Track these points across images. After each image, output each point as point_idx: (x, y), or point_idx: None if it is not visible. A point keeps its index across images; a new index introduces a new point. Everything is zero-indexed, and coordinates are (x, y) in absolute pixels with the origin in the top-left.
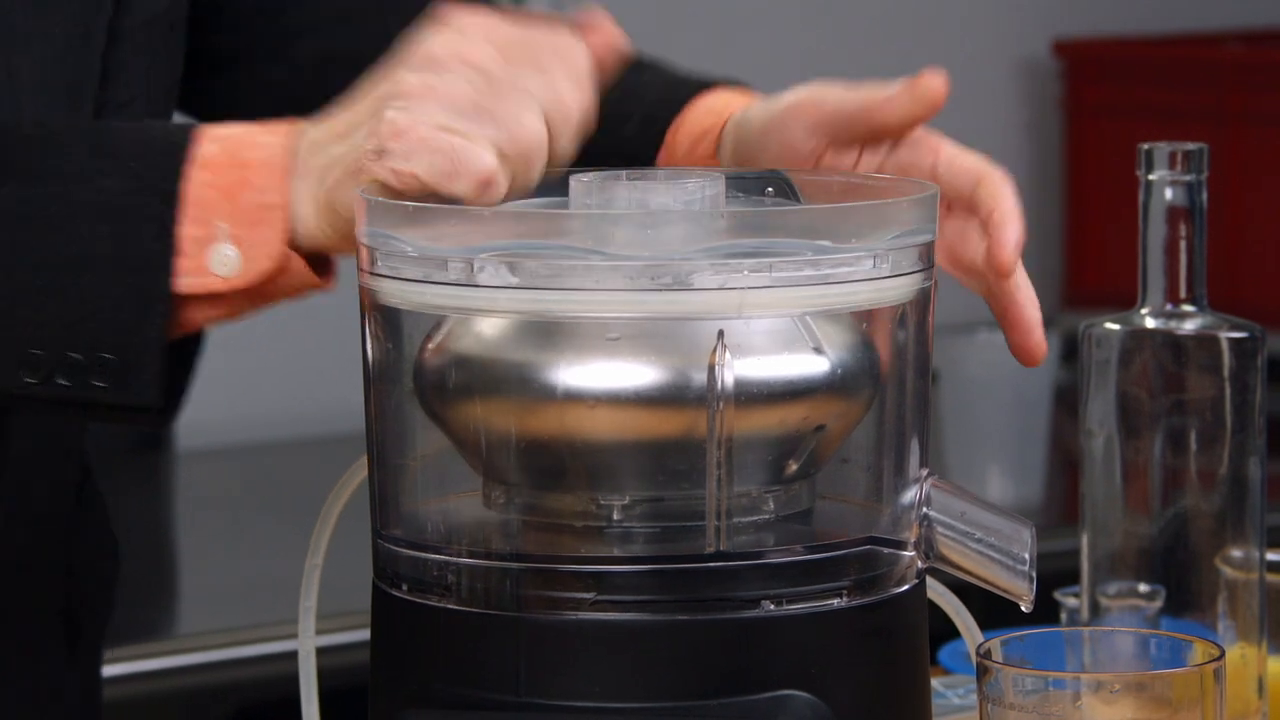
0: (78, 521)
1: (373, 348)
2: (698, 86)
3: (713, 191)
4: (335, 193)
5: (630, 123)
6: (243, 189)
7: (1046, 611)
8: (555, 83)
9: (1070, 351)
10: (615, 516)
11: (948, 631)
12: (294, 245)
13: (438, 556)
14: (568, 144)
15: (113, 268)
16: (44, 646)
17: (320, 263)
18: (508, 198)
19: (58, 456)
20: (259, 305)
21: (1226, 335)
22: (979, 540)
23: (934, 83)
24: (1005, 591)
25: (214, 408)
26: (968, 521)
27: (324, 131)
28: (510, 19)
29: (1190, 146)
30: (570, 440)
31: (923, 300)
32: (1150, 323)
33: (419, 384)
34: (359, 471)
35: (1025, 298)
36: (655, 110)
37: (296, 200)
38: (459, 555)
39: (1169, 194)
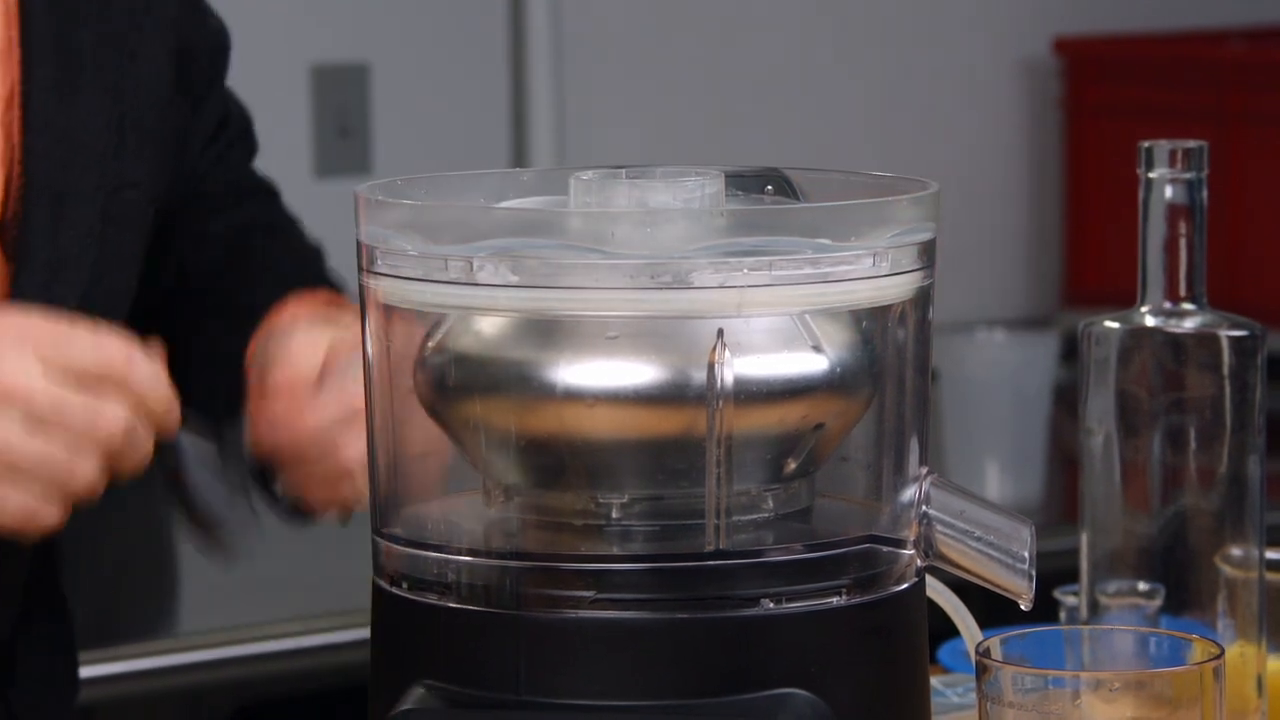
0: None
1: (373, 346)
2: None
3: (712, 190)
4: None
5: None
6: None
7: (1046, 610)
8: (111, 415)
9: (1070, 350)
10: (615, 515)
11: (947, 630)
12: None
13: (437, 555)
14: (137, 464)
15: None
16: None
17: None
18: None
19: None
20: None
21: (1226, 333)
22: (978, 539)
23: None
24: (1004, 590)
25: None
26: (967, 520)
27: None
28: (65, 329)
29: (1190, 144)
30: (570, 439)
31: (922, 299)
32: (1150, 321)
33: (419, 382)
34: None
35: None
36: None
37: None
38: (459, 553)
39: (1169, 192)
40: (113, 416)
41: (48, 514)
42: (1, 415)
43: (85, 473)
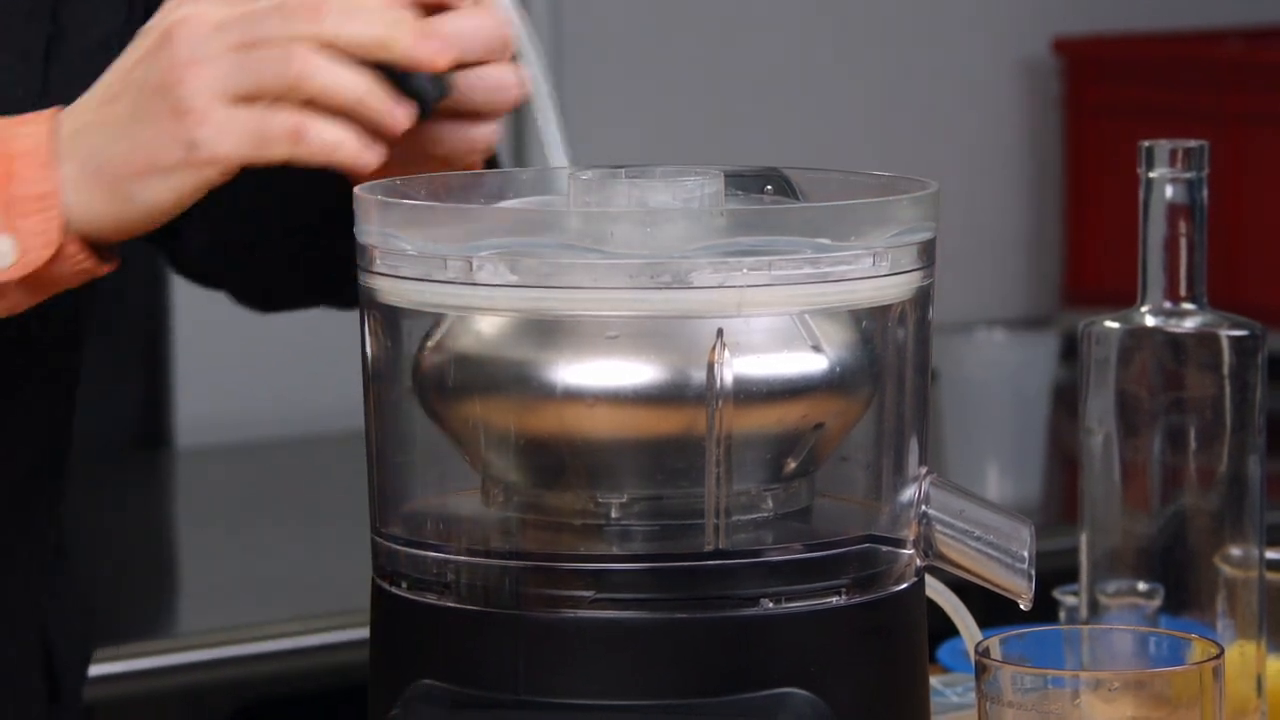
0: (54, 581)
1: (372, 346)
2: None
3: (712, 190)
4: (124, 183)
5: None
6: (10, 181)
7: (1045, 610)
8: (314, 11)
9: (1069, 350)
10: (614, 514)
11: (947, 629)
12: (71, 230)
13: (437, 554)
14: (399, 46)
15: None
16: (25, 703)
17: (102, 247)
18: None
19: (37, 513)
20: (38, 296)
21: (1226, 333)
22: (978, 538)
23: None
24: (1004, 590)
25: (213, 405)
26: (966, 519)
27: (87, 118)
28: None
29: (1191, 144)
30: (569, 438)
31: (922, 298)
32: (1150, 321)
33: (418, 382)
34: None
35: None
36: None
37: (66, 187)
38: (458, 553)
39: (1169, 191)
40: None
41: (310, 129)
42: (208, 47)
43: (314, 66)
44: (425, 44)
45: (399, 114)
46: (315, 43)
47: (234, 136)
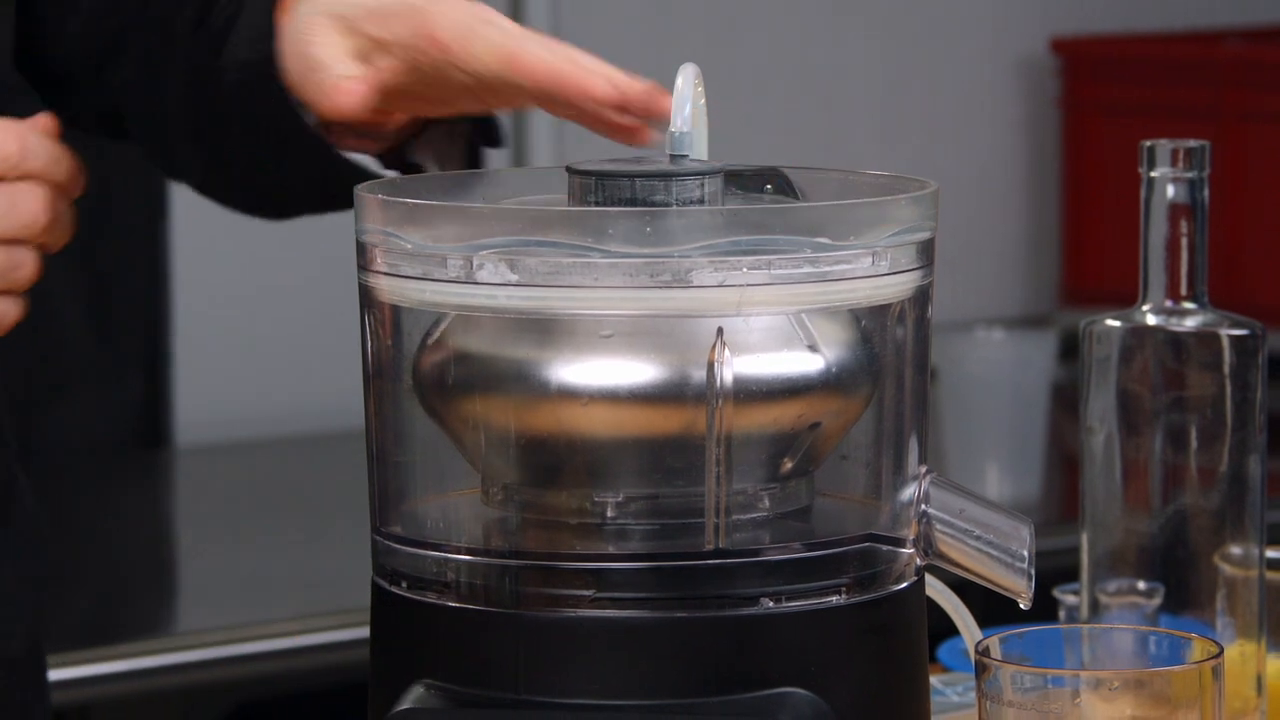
0: None
1: (372, 345)
2: None
3: (712, 188)
4: None
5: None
6: None
7: (1045, 609)
8: (26, 204)
9: (1069, 349)
10: (614, 514)
11: (946, 629)
12: None
13: (437, 554)
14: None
15: None
16: None
17: None
18: None
19: None
20: None
21: (1227, 332)
22: (978, 537)
23: None
24: (1004, 589)
25: (213, 404)
26: (966, 519)
27: None
28: None
29: (1192, 144)
30: (569, 437)
31: (921, 297)
32: (1151, 320)
33: (418, 381)
34: None
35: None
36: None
37: None
38: (458, 552)
39: (1171, 191)
40: (29, 204)
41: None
42: None
43: (24, 262)
44: None
45: None
46: None
47: None
